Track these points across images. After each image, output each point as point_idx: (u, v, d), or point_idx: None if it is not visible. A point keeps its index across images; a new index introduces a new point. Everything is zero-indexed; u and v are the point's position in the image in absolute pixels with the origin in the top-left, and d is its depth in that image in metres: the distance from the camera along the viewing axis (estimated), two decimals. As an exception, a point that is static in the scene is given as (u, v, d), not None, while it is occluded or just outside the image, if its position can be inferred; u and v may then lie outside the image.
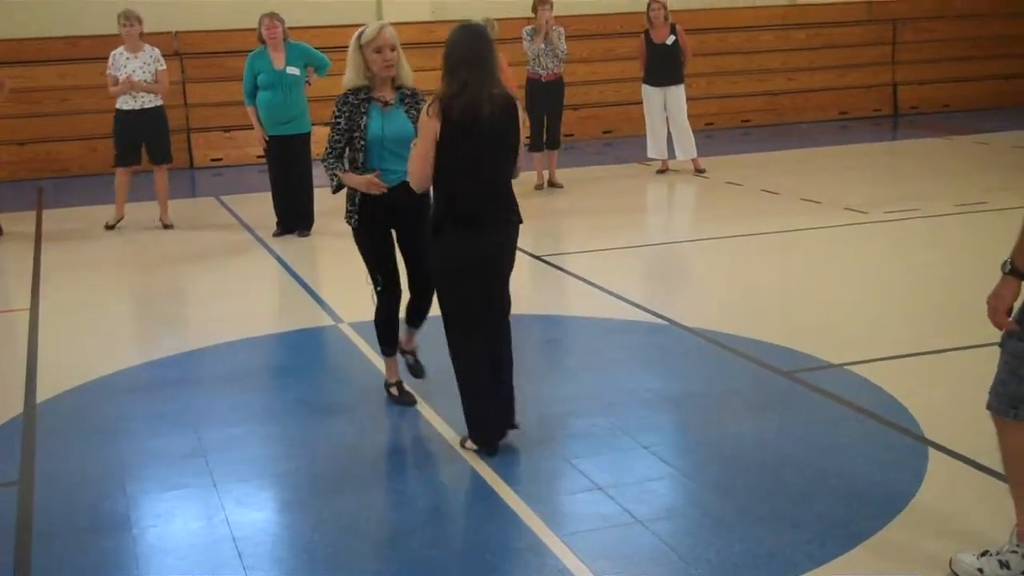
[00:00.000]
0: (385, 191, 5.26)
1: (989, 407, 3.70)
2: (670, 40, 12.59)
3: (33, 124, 14.33)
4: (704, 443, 5.13)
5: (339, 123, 5.34)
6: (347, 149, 5.36)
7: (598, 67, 15.96)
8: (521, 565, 4.02)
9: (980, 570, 3.66)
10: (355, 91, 5.36)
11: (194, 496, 4.76)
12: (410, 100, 5.40)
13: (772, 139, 15.72)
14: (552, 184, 12.15)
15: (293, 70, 9.81)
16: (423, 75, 6.00)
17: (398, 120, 5.35)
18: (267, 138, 9.92)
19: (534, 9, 11.88)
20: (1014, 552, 3.65)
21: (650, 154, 12.98)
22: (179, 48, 14.95)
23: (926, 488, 4.42)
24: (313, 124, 10.22)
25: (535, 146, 12.11)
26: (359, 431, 5.42)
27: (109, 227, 10.62)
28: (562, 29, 12.01)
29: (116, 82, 10.20)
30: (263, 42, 9.86)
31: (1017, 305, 3.60)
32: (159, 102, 10.38)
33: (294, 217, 10.09)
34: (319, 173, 5.68)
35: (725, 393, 5.74)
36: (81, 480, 4.91)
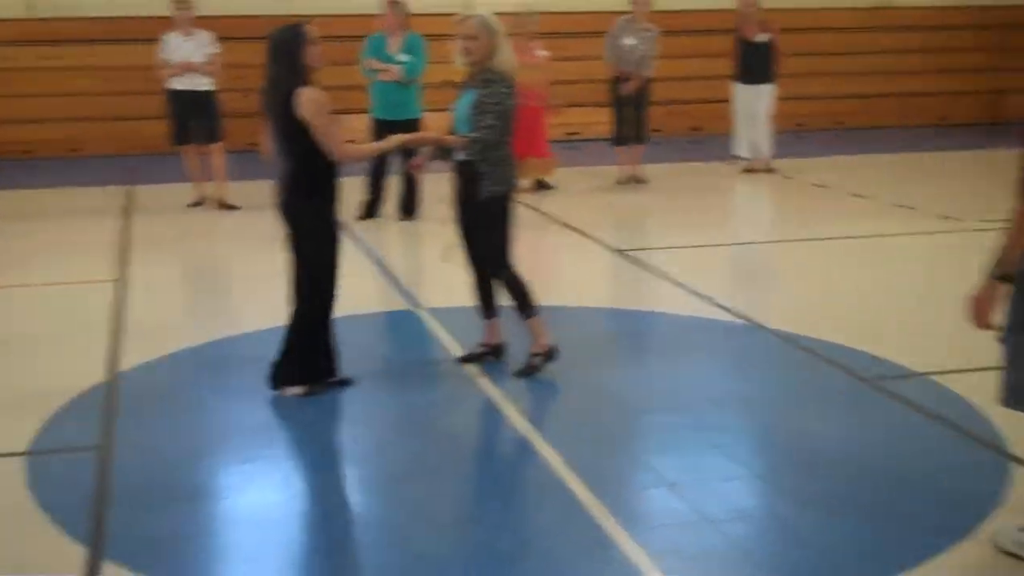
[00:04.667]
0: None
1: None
2: (762, 38, 12.43)
3: (125, 101, 14.58)
4: (779, 446, 5.05)
5: None
6: None
7: (688, 63, 15.81)
8: (586, 557, 3.99)
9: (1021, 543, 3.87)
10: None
11: (267, 469, 4.82)
12: (484, 85, 5.57)
13: (866, 142, 15.45)
14: (636, 179, 12.06)
15: (403, 57, 9.92)
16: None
17: (464, 103, 5.65)
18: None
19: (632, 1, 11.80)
20: None
21: (736, 151, 12.84)
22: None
23: (1007, 503, 4.30)
24: (425, 111, 10.25)
25: (619, 140, 12.04)
26: (431, 416, 5.44)
27: (193, 205, 10.80)
28: (656, 30, 11.89)
29: (167, 65, 10.39)
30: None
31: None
32: (212, 86, 10.57)
33: (380, 202, 10.17)
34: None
35: (803, 397, 5.65)
36: (158, 449, 4.99)
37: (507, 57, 5.60)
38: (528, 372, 5.78)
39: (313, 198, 5.45)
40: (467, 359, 6.02)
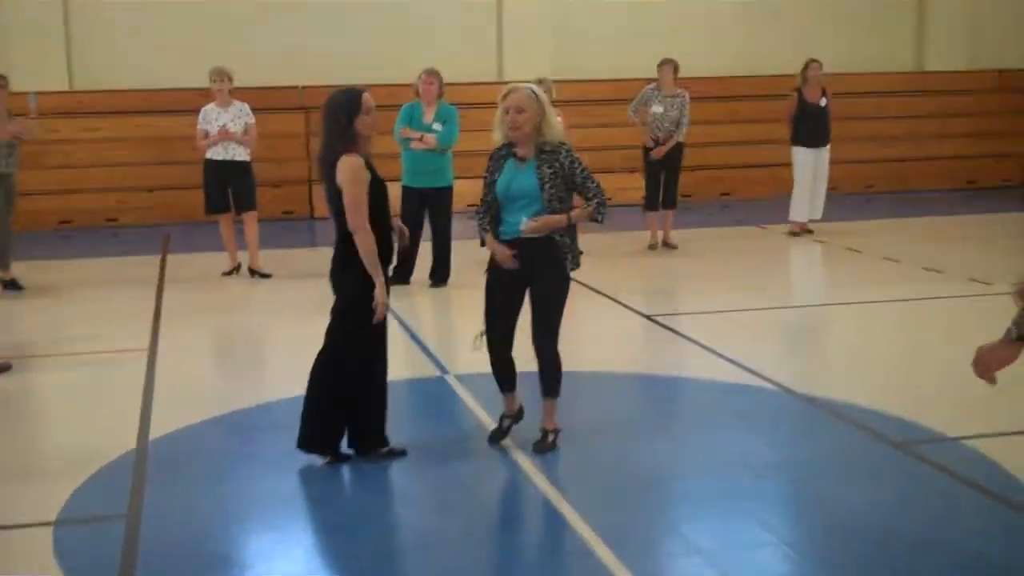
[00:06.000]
0: (516, 267, 5.57)
1: None
2: (823, 101, 12.56)
3: (162, 172, 14.80)
4: (809, 512, 5.01)
5: (486, 177, 5.69)
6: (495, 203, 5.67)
7: (718, 129, 15.89)
8: (614, 627, 3.96)
9: None
10: (503, 147, 5.65)
11: (295, 540, 4.83)
12: (546, 156, 5.54)
13: (896, 206, 15.42)
14: (667, 244, 12.07)
15: (438, 126, 10.03)
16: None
17: (527, 176, 5.54)
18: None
19: (659, 68, 11.87)
20: None
21: (793, 216, 12.80)
22: (304, 102, 15.34)
23: (1042, 570, 4.24)
24: (456, 178, 10.33)
25: (650, 205, 12.07)
26: (459, 483, 5.43)
27: (226, 274, 10.92)
28: (687, 95, 11.96)
29: (206, 136, 10.59)
30: (418, 96, 10.16)
31: None
32: (247, 157, 10.70)
33: (411, 268, 10.19)
34: (463, 227, 5.94)
35: (834, 462, 5.60)
36: (186, 518, 5.01)
37: (557, 127, 5.61)
38: (549, 448, 5.72)
39: (358, 265, 5.40)
40: (496, 437, 5.91)
